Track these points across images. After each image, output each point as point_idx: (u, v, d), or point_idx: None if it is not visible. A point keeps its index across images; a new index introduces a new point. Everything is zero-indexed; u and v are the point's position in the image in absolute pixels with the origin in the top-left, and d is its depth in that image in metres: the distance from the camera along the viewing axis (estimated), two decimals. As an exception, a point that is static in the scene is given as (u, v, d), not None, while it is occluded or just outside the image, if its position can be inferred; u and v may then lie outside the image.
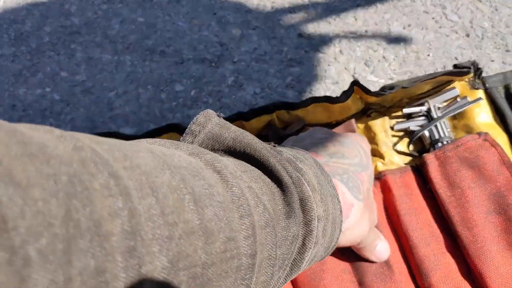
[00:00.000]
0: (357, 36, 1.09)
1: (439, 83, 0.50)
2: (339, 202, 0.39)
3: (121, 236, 0.20)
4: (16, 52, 1.20)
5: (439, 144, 0.50)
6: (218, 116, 0.35)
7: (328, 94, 1.02)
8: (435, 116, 0.51)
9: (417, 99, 0.52)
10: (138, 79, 1.10)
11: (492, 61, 1.01)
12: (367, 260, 0.46)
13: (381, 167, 0.51)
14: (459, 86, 0.52)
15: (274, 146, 0.36)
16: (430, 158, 0.49)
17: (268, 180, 0.32)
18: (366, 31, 1.10)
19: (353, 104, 0.51)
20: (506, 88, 0.54)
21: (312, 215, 0.33)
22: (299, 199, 0.33)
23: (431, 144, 0.50)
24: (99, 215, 0.19)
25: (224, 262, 0.26)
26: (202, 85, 1.06)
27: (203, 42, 1.14)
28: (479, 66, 0.52)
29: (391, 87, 0.49)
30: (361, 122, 0.53)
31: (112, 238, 0.20)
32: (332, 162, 0.42)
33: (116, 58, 1.14)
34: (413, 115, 0.52)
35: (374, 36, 1.08)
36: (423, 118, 0.51)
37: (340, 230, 0.38)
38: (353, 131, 0.51)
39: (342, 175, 0.41)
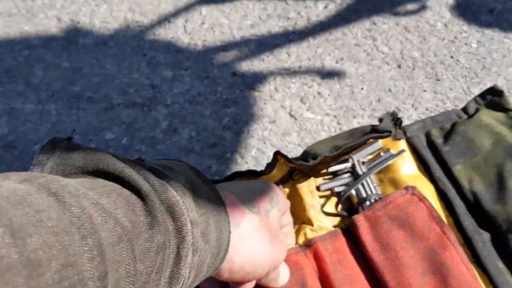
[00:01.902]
0: (291, 73, 1.10)
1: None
2: (223, 203, 0.38)
3: None
4: None
5: (367, 203, 0.50)
6: (67, 139, 0.34)
7: (265, 133, 1.02)
8: (360, 172, 0.51)
9: (340, 155, 0.53)
10: (65, 129, 1.07)
11: (424, 91, 1.04)
12: None
13: (310, 234, 0.51)
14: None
15: (141, 160, 0.36)
16: (360, 220, 0.49)
17: (126, 192, 0.32)
18: (299, 67, 1.11)
19: (278, 171, 0.51)
20: (427, 135, 0.56)
21: (183, 221, 0.33)
22: (167, 206, 0.33)
23: (359, 203, 0.50)
24: None
25: None
26: (134, 131, 1.04)
27: (134, 85, 1.12)
28: (399, 116, 0.54)
29: (314, 156, 0.49)
30: (287, 186, 0.53)
31: None
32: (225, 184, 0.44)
33: (40, 107, 1.10)
34: (338, 173, 0.52)
35: (308, 71, 1.10)
36: (348, 175, 0.52)
37: (229, 232, 0.38)
38: None
39: (232, 190, 0.42)
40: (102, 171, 0.32)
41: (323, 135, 0.99)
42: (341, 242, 0.50)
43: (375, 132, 0.51)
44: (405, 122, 0.99)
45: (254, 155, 0.98)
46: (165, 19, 1.23)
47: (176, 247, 0.33)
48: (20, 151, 1.03)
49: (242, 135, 1.03)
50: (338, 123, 1.01)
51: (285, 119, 1.04)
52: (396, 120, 0.53)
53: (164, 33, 1.22)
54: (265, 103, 1.07)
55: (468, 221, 0.54)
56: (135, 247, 0.29)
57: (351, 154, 0.52)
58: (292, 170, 0.53)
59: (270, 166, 0.50)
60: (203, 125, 1.05)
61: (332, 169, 0.52)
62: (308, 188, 0.53)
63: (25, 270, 0.23)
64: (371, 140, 0.53)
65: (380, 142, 0.53)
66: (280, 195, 0.47)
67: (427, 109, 1.01)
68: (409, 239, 0.48)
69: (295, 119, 1.03)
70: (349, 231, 0.51)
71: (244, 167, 0.94)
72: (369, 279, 0.48)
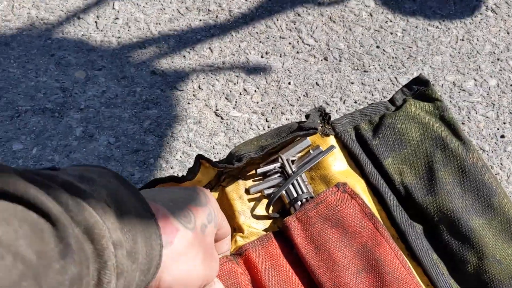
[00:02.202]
0: (215, 69, 1.10)
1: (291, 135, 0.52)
2: (153, 216, 0.37)
3: None
4: None
5: (299, 203, 0.51)
6: None
7: (191, 135, 1.01)
8: (290, 172, 0.52)
9: (269, 155, 0.53)
10: (-35, 141, 1.01)
11: (352, 83, 1.08)
12: None
13: (240, 241, 0.51)
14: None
15: (56, 169, 0.34)
16: (292, 222, 0.49)
17: (32, 216, 0.30)
18: (223, 63, 1.11)
19: (204, 176, 0.51)
20: (356, 129, 0.58)
21: (104, 244, 0.32)
22: (84, 228, 0.31)
23: (291, 204, 0.51)
24: None
25: None
26: (45, 140, 1.00)
27: (42, 89, 1.08)
28: (327, 112, 0.55)
29: (239, 158, 0.49)
30: (215, 190, 0.53)
31: None
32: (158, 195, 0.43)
33: None
34: (268, 174, 0.53)
35: (233, 67, 1.10)
36: (278, 175, 0.52)
37: (161, 246, 0.37)
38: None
39: (166, 202, 0.41)
40: (3, 192, 0.30)
41: (251, 134, 0.99)
42: (274, 246, 0.50)
43: (300, 130, 0.52)
44: (334, 116, 1.02)
45: (179, 159, 0.97)
46: (74, 16, 1.19)
47: (96, 273, 0.31)
48: None
49: (165, 138, 1.01)
50: (266, 120, 1.02)
51: (211, 119, 1.03)
52: (324, 116, 0.55)
53: (74, 31, 1.18)
54: (188, 103, 1.06)
55: (400, 215, 0.56)
56: (42, 283, 0.28)
57: (280, 153, 0.53)
58: (220, 174, 0.53)
59: (192, 171, 0.49)
60: (122, 129, 1.03)
61: (261, 170, 0.52)
62: (237, 193, 0.53)
63: None
64: (299, 138, 0.54)
65: (309, 140, 0.54)
66: (215, 207, 0.47)
67: (355, 102, 1.05)
68: (343, 238, 0.50)
69: (222, 118, 1.03)
70: (282, 234, 0.51)
71: (169, 173, 0.93)
72: (305, 282, 0.49)
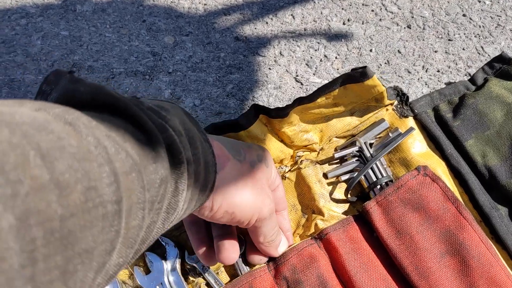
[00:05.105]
0: (296, 36, 1.06)
1: (367, 116, 0.48)
2: (211, 146, 0.41)
3: None
4: None
5: (378, 187, 0.48)
6: (70, 73, 0.35)
7: (271, 100, 0.99)
8: (367, 155, 0.49)
9: (346, 138, 0.50)
10: (67, 100, 1.05)
11: (436, 51, 1.00)
12: None
13: (321, 224, 0.49)
14: (388, 116, 0.50)
15: (137, 98, 0.38)
16: (372, 206, 0.47)
17: (131, 128, 0.34)
18: (305, 30, 1.07)
19: (262, 134, 0.48)
20: (435, 110, 0.53)
21: (181, 158, 0.35)
22: (166, 144, 0.35)
23: (370, 188, 0.48)
24: None
25: (86, 212, 0.26)
26: (137, 101, 1.01)
27: (134, 53, 1.09)
28: (404, 92, 0.51)
29: (291, 104, 0.48)
30: (292, 172, 0.51)
31: None
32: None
33: (40, 78, 1.08)
34: (345, 157, 0.50)
35: (314, 34, 1.05)
36: (356, 159, 0.49)
37: (215, 172, 0.40)
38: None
39: (221, 140, 0.45)
40: (109, 106, 0.33)
41: (330, 102, 0.96)
42: (355, 230, 0.48)
43: (352, 70, 0.48)
44: (415, 84, 0.96)
45: (259, 124, 0.95)
46: (165, -18, 1.18)
47: (174, 181, 0.35)
48: (22, 125, 1.01)
49: (246, 102, 1.00)
50: (346, 88, 0.98)
51: (291, 84, 1.00)
52: (402, 96, 0.50)
53: (164, -3, 1.17)
54: (269, 68, 1.03)
55: (483, 197, 0.52)
56: (143, 178, 0.31)
57: (357, 137, 0.50)
58: (297, 159, 0.51)
59: (246, 116, 0.48)
60: (206, 92, 1.02)
61: (339, 154, 0.50)
62: (316, 177, 0.51)
63: (56, 189, 0.25)
64: (374, 119, 0.50)
65: (387, 122, 0.50)
66: (271, 161, 0.48)
67: (438, 71, 0.98)
68: (424, 222, 0.46)
69: (301, 84, 1.00)
70: (362, 218, 0.49)
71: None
72: (386, 265, 0.47)
